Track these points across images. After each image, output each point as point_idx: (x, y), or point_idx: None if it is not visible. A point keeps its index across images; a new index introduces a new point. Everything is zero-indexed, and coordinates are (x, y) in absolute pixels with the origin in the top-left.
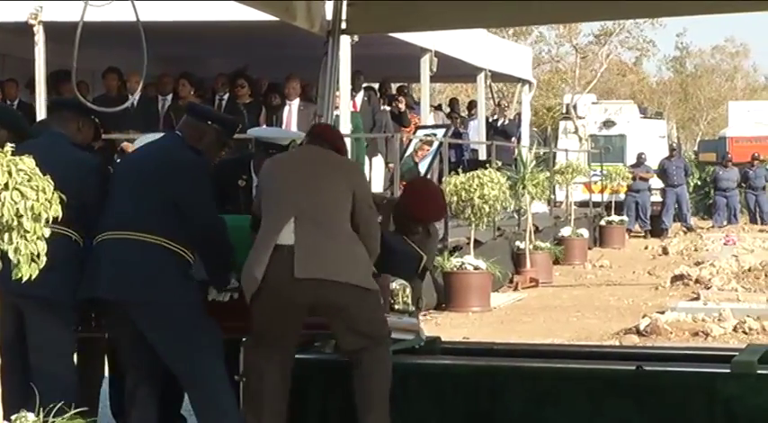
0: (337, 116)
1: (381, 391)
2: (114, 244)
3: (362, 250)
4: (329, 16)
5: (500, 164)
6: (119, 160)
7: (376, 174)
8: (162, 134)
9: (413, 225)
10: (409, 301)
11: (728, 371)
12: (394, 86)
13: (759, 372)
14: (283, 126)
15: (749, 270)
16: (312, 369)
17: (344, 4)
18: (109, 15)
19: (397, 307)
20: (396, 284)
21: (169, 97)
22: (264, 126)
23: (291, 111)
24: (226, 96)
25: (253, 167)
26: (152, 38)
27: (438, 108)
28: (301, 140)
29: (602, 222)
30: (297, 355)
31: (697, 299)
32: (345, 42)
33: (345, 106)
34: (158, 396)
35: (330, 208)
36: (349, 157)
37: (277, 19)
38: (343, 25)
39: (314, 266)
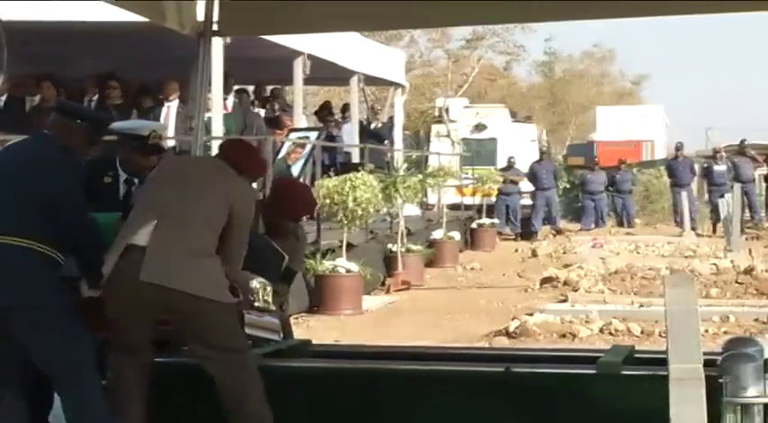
0: (209, 118)
1: (240, 401)
2: None
3: (216, 265)
4: (200, 18)
5: (373, 167)
6: None
7: None
8: None
9: (283, 222)
10: (269, 299)
11: (594, 372)
12: (269, 89)
13: (623, 372)
14: None
15: (615, 272)
16: (179, 373)
17: (216, 5)
18: None
19: (257, 304)
20: (256, 282)
21: (37, 98)
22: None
23: (170, 112)
24: (95, 98)
25: (118, 162)
26: (18, 37)
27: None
28: (162, 130)
29: (474, 225)
30: (164, 359)
31: (565, 301)
32: (218, 44)
33: (217, 108)
34: (26, 406)
35: (197, 217)
36: None
37: (147, 20)
38: (215, 27)
39: (161, 272)
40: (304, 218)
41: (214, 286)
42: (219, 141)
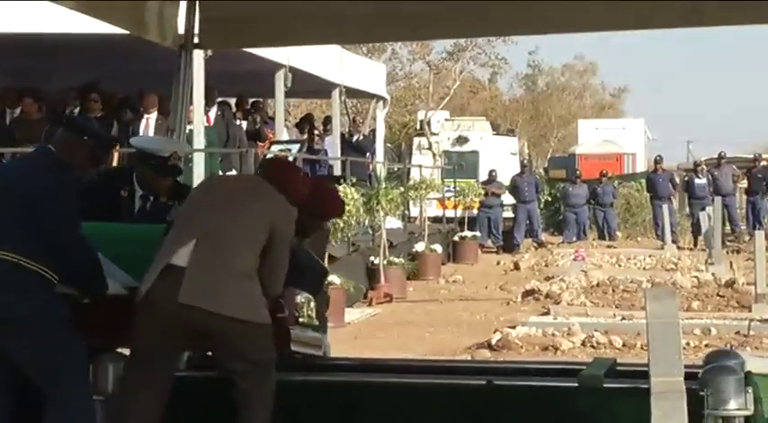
0: (191, 131)
1: (260, 415)
2: None
3: (255, 285)
4: (181, 30)
5: (354, 179)
6: None
7: None
8: None
9: (315, 222)
10: (313, 314)
11: (576, 385)
12: (250, 102)
13: (605, 385)
14: None
15: (597, 285)
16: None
17: (197, 18)
18: None
19: (301, 320)
20: (301, 298)
21: (17, 110)
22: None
23: (149, 124)
24: (77, 110)
25: (135, 178)
26: None
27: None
28: (183, 152)
29: (456, 238)
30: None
31: (547, 313)
32: (199, 57)
33: (199, 121)
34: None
35: (237, 237)
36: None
37: (128, 32)
38: (196, 40)
39: (200, 294)
40: None
41: (253, 307)
42: (201, 154)
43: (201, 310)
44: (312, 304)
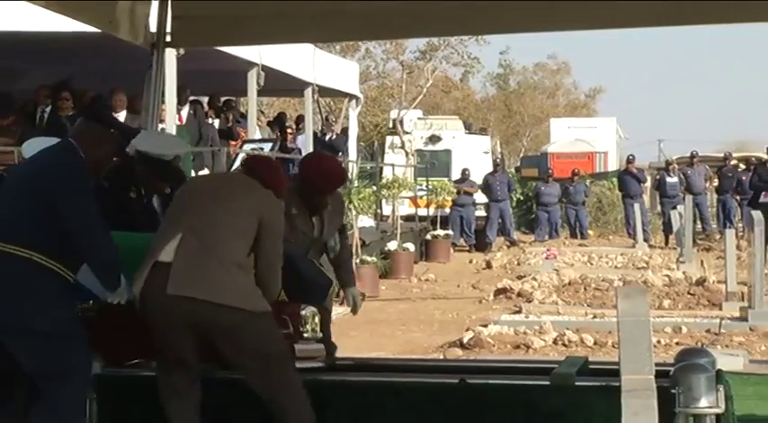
0: (163, 129)
1: (291, 413)
2: None
3: (248, 276)
4: (153, 29)
5: None
6: None
7: None
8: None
9: (318, 198)
10: (318, 328)
11: (548, 383)
12: (222, 100)
13: (577, 384)
14: None
15: (569, 284)
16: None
17: (169, 16)
18: None
19: (306, 335)
20: (306, 311)
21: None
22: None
23: None
24: (48, 109)
25: (135, 179)
26: None
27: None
28: (185, 152)
29: (428, 236)
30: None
31: (519, 312)
32: (171, 55)
33: (171, 120)
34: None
35: (224, 228)
36: None
37: (100, 31)
38: (168, 38)
39: (187, 284)
40: None
41: (246, 296)
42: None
43: (189, 299)
44: (317, 318)
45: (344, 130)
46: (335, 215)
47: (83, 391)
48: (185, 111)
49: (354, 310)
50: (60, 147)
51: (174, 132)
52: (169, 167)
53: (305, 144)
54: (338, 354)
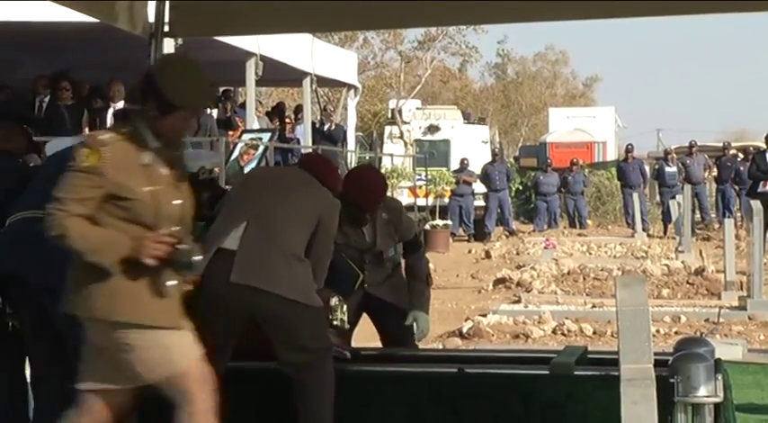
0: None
1: (323, 408)
2: (27, 221)
3: (307, 270)
4: (152, 18)
5: None
6: None
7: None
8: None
9: (354, 211)
10: (345, 317)
11: (547, 373)
12: (221, 90)
13: (576, 373)
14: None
15: (568, 273)
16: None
17: (167, 6)
18: None
19: (335, 323)
20: (335, 300)
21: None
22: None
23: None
24: (47, 99)
25: None
26: None
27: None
28: (212, 166)
29: (427, 226)
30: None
31: (518, 302)
32: (169, 45)
33: None
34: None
35: (288, 223)
36: None
37: (98, 20)
38: (166, 28)
39: (252, 274)
40: None
41: (305, 289)
42: None
43: (254, 288)
44: (345, 307)
45: (343, 120)
46: (389, 226)
47: None
48: None
49: (419, 337)
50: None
51: None
52: (197, 179)
53: (304, 134)
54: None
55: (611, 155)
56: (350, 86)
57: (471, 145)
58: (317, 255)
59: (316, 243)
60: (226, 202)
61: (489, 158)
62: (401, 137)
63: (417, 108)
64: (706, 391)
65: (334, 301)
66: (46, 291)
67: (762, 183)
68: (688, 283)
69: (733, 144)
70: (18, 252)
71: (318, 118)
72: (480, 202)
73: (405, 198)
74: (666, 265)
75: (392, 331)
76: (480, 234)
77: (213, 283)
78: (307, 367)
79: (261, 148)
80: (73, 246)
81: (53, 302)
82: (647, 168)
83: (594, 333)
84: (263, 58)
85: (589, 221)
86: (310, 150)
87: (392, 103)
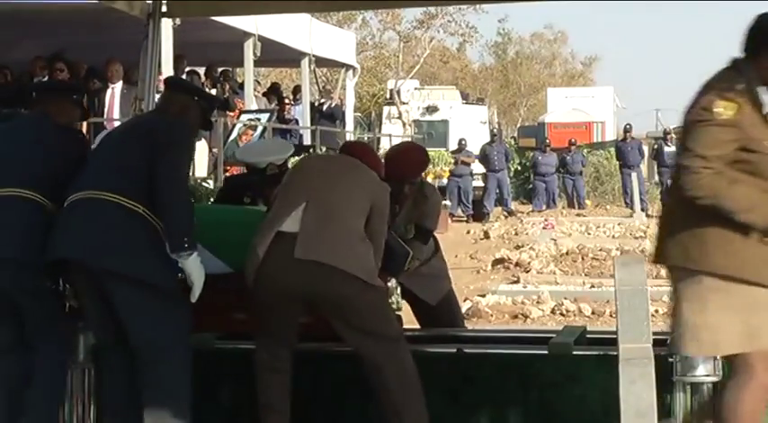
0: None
1: (405, 395)
2: (86, 202)
3: (369, 250)
4: None
5: (325, 149)
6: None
7: (199, 158)
8: None
9: (395, 185)
10: (399, 300)
11: (546, 353)
12: (219, 71)
13: (575, 353)
14: (106, 109)
15: (567, 253)
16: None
17: None
18: None
19: (393, 306)
20: (392, 283)
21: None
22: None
23: (114, 94)
24: (44, 80)
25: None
26: None
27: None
28: (279, 162)
29: None
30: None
31: (517, 282)
32: (167, 26)
33: None
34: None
35: (344, 204)
36: None
37: (95, 1)
38: (164, 8)
39: (314, 249)
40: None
41: (368, 268)
42: None
43: (317, 263)
44: (399, 290)
45: (341, 101)
46: (415, 208)
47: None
48: None
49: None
50: (152, 114)
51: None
52: (265, 174)
53: (302, 115)
54: None
55: (610, 135)
56: (348, 67)
57: (470, 125)
58: (372, 237)
59: (370, 227)
60: (281, 189)
61: (488, 139)
62: (399, 117)
63: (416, 88)
64: (705, 371)
65: (390, 283)
66: (106, 274)
67: None
68: None
69: None
70: (74, 236)
71: (317, 98)
72: (479, 183)
73: None
74: None
75: (428, 311)
76: (479, 214)
77: (274, 262)
78: (377, 350)
79: (259, 129)
80: (722, 205)
81: (115, 286)
82: (645, 148)
83: (593, 313)
84: (261, 38)
85: (588, 202)
86: (309, 131)
87: (391, 84)
